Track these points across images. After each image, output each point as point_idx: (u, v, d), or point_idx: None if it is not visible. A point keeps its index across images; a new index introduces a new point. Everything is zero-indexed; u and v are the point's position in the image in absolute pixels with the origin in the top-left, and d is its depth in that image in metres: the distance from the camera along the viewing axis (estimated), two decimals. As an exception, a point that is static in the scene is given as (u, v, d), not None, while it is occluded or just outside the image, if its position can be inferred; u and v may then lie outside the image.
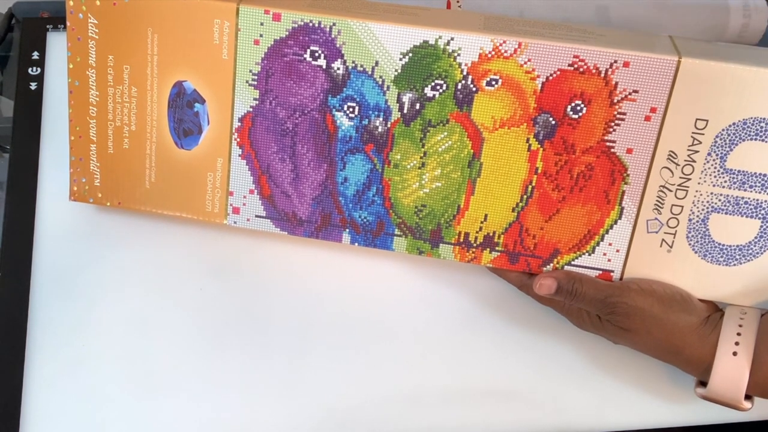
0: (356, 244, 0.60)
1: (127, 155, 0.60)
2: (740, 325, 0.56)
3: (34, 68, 0.68)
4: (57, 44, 0.69)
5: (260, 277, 0.64)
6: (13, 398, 0.60)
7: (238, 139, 0.59)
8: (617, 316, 0.57)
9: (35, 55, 0.69)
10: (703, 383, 0.57)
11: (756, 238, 0.57)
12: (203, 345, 0.63)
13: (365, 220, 0.60)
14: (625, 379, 0.63)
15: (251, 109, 0.58)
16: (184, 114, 0.58)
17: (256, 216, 0.60)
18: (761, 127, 0.54)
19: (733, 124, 0.54)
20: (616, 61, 0.54)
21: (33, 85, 0.68)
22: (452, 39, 0.54)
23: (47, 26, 0.70)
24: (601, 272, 0.59)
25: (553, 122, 0.56)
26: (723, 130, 0.54)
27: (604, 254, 0.58)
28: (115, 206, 0.61)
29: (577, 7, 0.65)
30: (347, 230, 0.60)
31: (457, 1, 0.65)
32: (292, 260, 0.64)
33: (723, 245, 0.57)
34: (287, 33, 0.56)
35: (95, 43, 0.57)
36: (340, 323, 0.64)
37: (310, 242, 0.64)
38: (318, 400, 0.62)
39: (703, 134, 0.55)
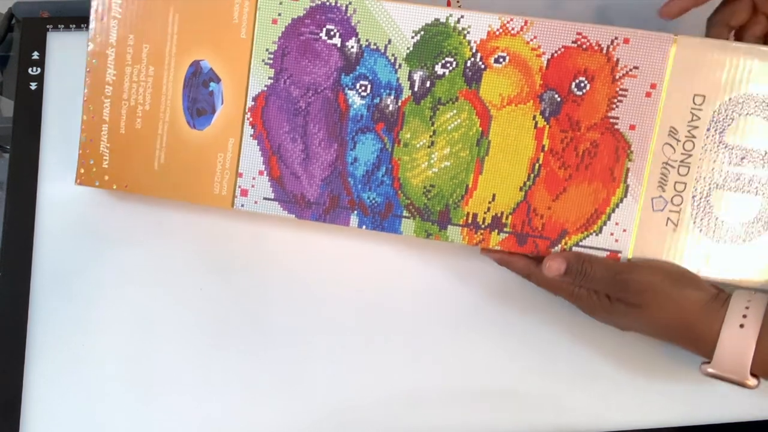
0: (364, 227, 0.60)
1: (139, 135, 0.60)
2: (749, 300, 0.56)
3: (34, 68, 0.69)
4: (57, 44, 0.69)
5: (260, 277, 0.64)
6: (13, 397, 0.60)
7: (251, 119, 0.60)
8: (628, 293, 0.56)
9: (35, 55, 0.69)
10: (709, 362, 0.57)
11: (759, 214, 0.58)
12: (203, 345, 0.62)
13: (374, 201, 0.60)
14: (625, 379, 0.63)
15: (265, 88, 0.59)
16: (199, 93, 0.60)
17: (264, 198, 0.60)
18: (756, 103, 0.57)
19: (730, 99, 0.57)
20: (616, 38, 0.57)
21: (33, 85, 0.68)
22: (462, 17, 0.57)
23: (47, 26, 0.70)
24: (609, 253, 0.59)
25: (559, 99, 0.58)
26: (720, 105, 0.57)
27: (612, 234, 0.59)
28: (122, 189, 0.61)
29: (575, 7, 0.69)
30: (355, 212, 0.60)
31: (458, 1, 0.69)
32: (292, 260, 0.64)
33: (727, 222, 0.58)
34: (305, 12, 0.58)
35: (117, 23, 0.59)
36: (340, 323, 0.63)
37: (310, 242, 0.65)
38: (318, 400, 0.61)
39: (701, 110, 0.57)
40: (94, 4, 0.60)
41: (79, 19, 0.70)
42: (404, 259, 0.64)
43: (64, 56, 0.69)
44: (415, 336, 0.63)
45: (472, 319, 0.64)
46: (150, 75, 0.60)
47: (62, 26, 0.70)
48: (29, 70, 0.68)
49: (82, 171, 0.61)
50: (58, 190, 0.65)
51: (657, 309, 0.56)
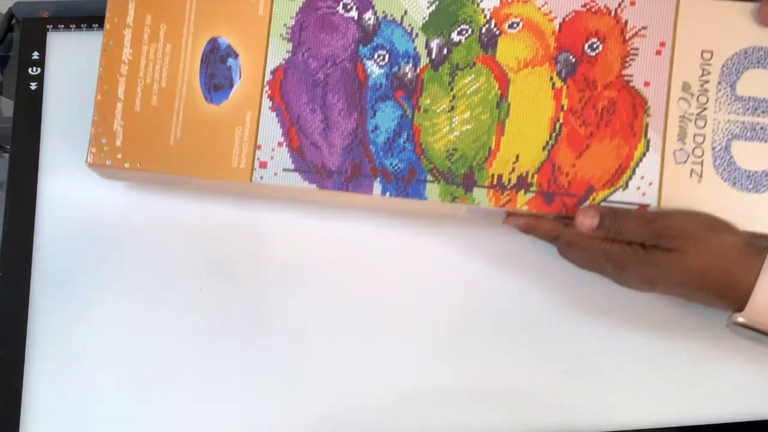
0: (387, 193, 0.59)
1: (154, 112, 0.59)
2: None
3: (34, 68, 0.69)
4: (57, 44, 0.69)
5: (260, 277, 0.64)
6: (13, 398, 0.60)
7: (269, 92, 0.59)
8: (665, 238, 0.55)
9: (35, 55, 0.69)
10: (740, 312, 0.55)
11: (780, 163, 0.58)
12: (203, 345, 0.62)
13: (396, 167, 0.59)
14: (625, 378, 0.63)
15: (283, 62, 0.60)
16: (217, 69, 0.60)
17: (284, 170, 0.59)
18: (761, 55, 0.59)
19: (736, 53, 0.59)
20: (623, 1, 0.60)
21: (33, 85, 0.68)
22: (475, -14, 0.60)
23: (47, 26, 0.70)
24: (638, 207, 0.58)
25: (573, 60, 0.59)
26: (728, 59, 0.59)
27: (638, 188, 0.58)
28: (134, 168, 0.59)
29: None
30: (378, 179, 0.59)
31: None
32: (292, 260, 0.64)
33: (749, 171, 0.58)
34: (322, -13, 0.60)
35: (135, 4, 0.60)
36: (341, 323, 0.63)
37: (310, 241, 0.65)
38: (318, 400, 0.61)
39: (710, 64, 0.59)
40: (112, -13, 0.60)
41: (79, 19, 0.70)
42: (404, 260, 0.65)
43: (64, 56, 0.69)
44: (415, 336, 0.63)
45: (473, 318, 0.63)
46: (167, 53, 0.60)
47: (62, 26, 0.70)
48: (29, 70, 0.69)
49: (94, 150, 0.59)
50: (58, 190, 0.65)
51: (694, 254, 0.55)
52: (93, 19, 0.69)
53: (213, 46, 0.60)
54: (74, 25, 0.70)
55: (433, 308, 0.63)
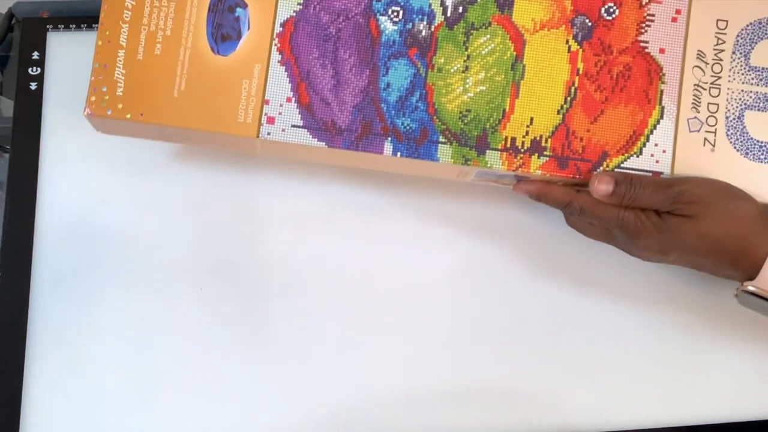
0: (399, 154, 0.57)
1: (158, 61, 0.57)
2: None
3: (34, 68, 0.68)
4: (57, 44, 0.69)
5: (260, 277, 0.64)
6: (13, 398, 0.60)
7: (279, 45, 0.57)
8: (681, 204, 0.55)
9: (35, 55, 0.69)
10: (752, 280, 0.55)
11: (792, 135, 0.58)
12: (203, 345, 0.62)
13: (408, 127, 0.57)
14: (625, 378, 0.63)
15: (294, 14, 0.58)
16: (224, 18, 0.57)
17: (293, 126, 0.57)
18: (776, 26, 0.59)
19: (751, 24, 0.59)
20: (640, -35, 0.59)
21: (33, 85, 0.68)
22: (492, -56, 0.59)
23: (47, 26, 0.69)
24: (651, 174, 0.57)
25: (590, 24, 0.58)
26: (742, 29, 0.59)
27: (652, 155, 0.58)
28: (137, 119, 0.56)
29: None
30: (389, 139, 0.57)
31: None
32: (293, 260, 0.64)
33: (761, 142, 0.58)
34: (336, -61, 0.58)
35: (139, -52, 0.57)
36: (341, 323, 0.63)
37: (311, 241, 0.64)
38: (318, 400, 0.61)
39: (725, 34, 0.59)
40: (114, -69, 0.58)
41: (79, 19, 0.70)
42: (404, 259, 0.64)
43: (64, 56, 0.69)
44: (415, 336, 0.62)
45: (473, 319, 0.63)
46: (173, 0, 0.57)
47: (62, 26, 0.70)
48: (29, 70, 0.68)
49: (93, 99, 0.56)
50: (58, 190, 0.65)
51: (710, 220, 0.54)
52: (93, 19, 0.69)
53: (221, -6, 0.58)
54: (74, 25, 0.69)
55: (433, 308, 0.63)
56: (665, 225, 0.55)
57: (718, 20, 0.59)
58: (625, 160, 0.58)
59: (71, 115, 0.63)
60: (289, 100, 0.57)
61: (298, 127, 0.57)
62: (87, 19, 0.70)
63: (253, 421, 0.60)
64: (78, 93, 0.59)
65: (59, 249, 0.64)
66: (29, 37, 0.69)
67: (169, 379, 0.61)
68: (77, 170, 0.65)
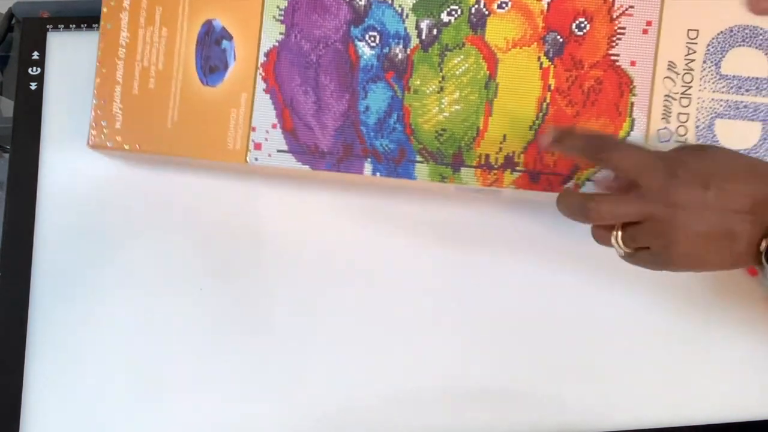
0: (378, 174, 0.61)
1: (152, 95, 0.61)
2: None
3: (34, 68, 0.69)
4: (57, 44, 0.70)
5: (260, 277, 0.65)
6: (13, 398, 0.60)
7: (263, 74, 0.61)
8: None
9: (35, 55, 0.70)
10: None
11: (760, 141, 0.60)
12: (203, 345, 0.63)
13: (387, 148, 0.61)
14: (625, 378, 0.63)
15: (277, 44, 0.61)
16: (212, 51, 0.61)
17: (278, 151, 0.61)
18: (746, 33, 0.60)
19: (722, 32, 0.60)
20: (611, -21, 0.60)
21: (33, 85, 0.69)
22: (464, -34, 0.61)
23: (47, 26, 0.70)
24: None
25: (561, 40, 0.60)
26: (713, 38, 0.60)
27: (622, 167, 0.60)
28: (134, 150, 0.61)
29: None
30: (369, 160, 0.61)
31: None
32: (292, 260, 0.65)
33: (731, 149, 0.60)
34: (313, -32, 0.61)
35: (131, -13, 0.61)
36: (340, 323, 0.64)
37: (310, 241, 0.66)
38: (318, 400, 0.61)
39: (696, 43, 0.60)
40: (107, -30, 0.62)
41: (79, 19, 0.71)
42: (404, 258, 0.65)
43: (64, 56, 0.70)
44: (415, 336, 0.63)
45: (472, 319, 0.64)
46: (163, 36, 0.61)
47: (62, 26, 0.71)
48: (29, 70, 0.69)
49: (95, 133, 0.61)
50: (58, 190, 0.66)
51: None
52: (93, 19, 0.69)
53: (208, 28, 0.61)
54: (74, 25, 0.70)
55: (433, 308, 0.64)
56: (700, 149, 0.55)
57: (689, 30, 0.60)
58: (596, 172, 0.60)
59: (71, 115, 0.66)
60: (274, 126, 0.61)
61: (284, 151, 0.61)
62: (87, 19, 0.71)
63: (252, 421, 0.61)
64: (78, 93, 0.62)
65: (59, 249, 0.64)
66: (29, 37, 0.70)
67: (169, 379, 0.61)
68: (77, 170, 0.66)
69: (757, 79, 0.60)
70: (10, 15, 0.73)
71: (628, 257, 0.55)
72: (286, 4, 0.61)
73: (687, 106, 0.60)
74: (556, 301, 0.65)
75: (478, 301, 0.65)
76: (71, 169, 0.66)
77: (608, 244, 0.55)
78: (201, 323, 0.63)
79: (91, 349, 0.62)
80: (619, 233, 0.54)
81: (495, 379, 0.62)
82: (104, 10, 0.61)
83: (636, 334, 0.64)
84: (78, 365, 0.61)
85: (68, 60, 0.69)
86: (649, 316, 0.65)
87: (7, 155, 0.68)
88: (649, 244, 0.54)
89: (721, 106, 0.60)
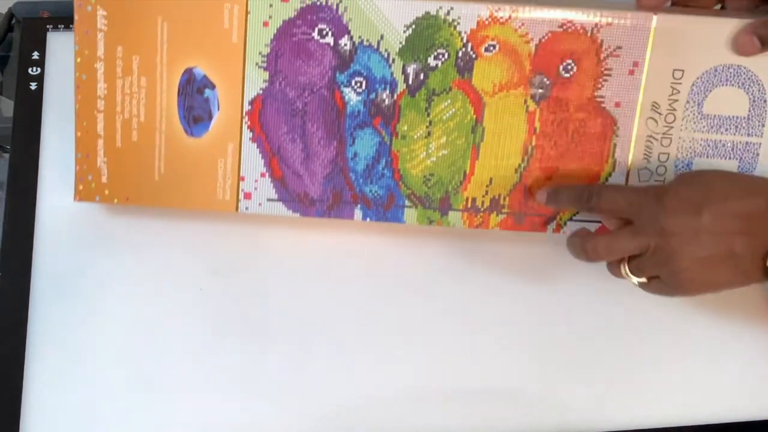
0: (368, 219, 0.62)
1: (136, 148, 0.60)
2: None
3: (34, 68, 0.69)
4: (57, 44, 0.70)
5: (260, 277, 0.65)
6: (13, 398, 0.59)
7: (249, 123, 0.60)
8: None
9: (35, 55, 0.69)
10: None
11: (736, 178, 0.62)
12: (203, 345, 0.63)
13: (376, 194, 0.62)
14: (625, 378, 0.64)
15: (261, 92, 0.60)
16: (194, 101, 0.60)
17: (268, 200, 0.61)
18: (730, 73, 0.60)
19: (706, 72, 0.60)
20: (600, 21, 0.59)
21: (33, 85, 0.68)
22: (452, 8, 0.59)
23: (47, 26, 0.70)
24: (601, 224, 0.62)
25: (548, 82, 0.60)
26: (698, 78, 0.60)
27: (603, 206, 0.62)
28: (123, 203, 0.61)
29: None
30: (359, 206, 0.62)
31: None
32: (292, 260, 0.65)
33: (708, 187, 0.62)
34: (296, 13, 0.59)
35: (104, 35, 0.58)
36: (340, 323, 0.64)
37: (310, 241, 0.66)
38: (318, 400, 0.62)
39: (680, 83, 0.60)
40: (77, 17, 0.58)
41: None
42: (404, 259, 0.66)
43: (64, 56, 0.68)
44: (415, 336, 0.64)
45: (473, 318, 0.65)
46: (142, 86, 0.59)
47: (62, 26, 0.70)
48: (29, 70, 0.68)
49: (81, 187, 0.61)
50: (59, 190, 0.65)
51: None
52: None
53: (189, 77, 0.59)
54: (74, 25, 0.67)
55: (433, 309, 0.65)
56: (692, 176, 0.57)
57: (674, 70, 0.60)
58: (577, 213, 0.62)
59: (71, 115, 0.64)
60: (263, 175, 0.61)
61: (273, 200, 0.61)
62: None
63: (252, 421, 0.61)
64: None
65: (59, 249, 0.64)
66: (29, 37, 0.70)
67: (169, 379, 0.61)
68: (77, 170, 0.66)
69: (736, 118, 0.61)
70: (10, 15, 0.71)
71: (644, 286, 0.57)
72: (269, 51, 0.59)
73: (668, 146, 0.61)
74: (556, 301, 0.66)
75: (478, 301, 0.65)
76: (71, 170, 0.64)
77: (621, 276, 0.58)
78: (201, 323, 0.63)
79: (91, 348, 0.62)
80: (626, 266, 0.57)
81: (495, 379, 0.63)
82: (77, 60, 0.59)
83: (636, 334, 0.65)
84: (78, 365, 0.61)
85: (68, 60, 0.66)
86: (649, 316, 0.65)
87: (7, 155, 0.68)
88: (657, 273, 0.56)
89: (700, 145, 0.61)
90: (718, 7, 0.64)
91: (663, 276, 0.55)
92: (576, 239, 0.58)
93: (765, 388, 0.64)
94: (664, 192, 0.55)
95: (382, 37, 0.59)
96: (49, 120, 0.67)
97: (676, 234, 0.53)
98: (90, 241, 0.65)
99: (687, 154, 0.61)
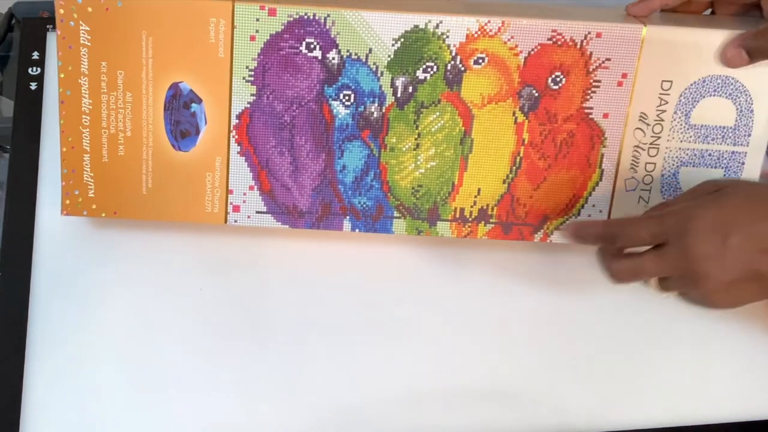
0: (357, 230, 0.62)
1: (123, 162, 0.60)
2: None
3: (34, 68, 0.68)
4: None
5: (260, 276, 0.65)
6: (13, 398, 0.59)
7: (237, 137, 0.60)
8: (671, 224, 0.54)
9: (35, 55, 0.69)
10: None
11: (721, 186, 0.63)
12: (203, 345, 0.63)
13: (365, 205, 0.62)
14: (625, 378, 0.64)
15: (249, 105, 0.59)
16: (181, 115, 0.59)
17: (257, 212, 0.61)
18: (718, 83, 0.60)
19: (695, 82, 0.60)
20: (589, 33, 0.59)
21: (33, 85, 0.68)
22: (441, 22, 0.58)
23: (47, 26, 0.70)
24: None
25: (536, 94, 0.60)
26: (686, 89, 0.60)
27: (589, 215, 0.63)
28: (111, 216, 0.61)
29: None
30: (348, 217, 0.62)
31: None
32: (292, 260, 0.65)
33: (693, 196, 0.63)
34: (283, 27, 0.58)
35: (87, 51, 0.57)
36: (340, 323, 0.64)
37: (310, 241, 0.66)
38: (318, 400, 0.62)
39: (668, 94, 0.61)
40: (59, 32, 0.57)
41: None
42: (402, 259, 0.66)
43: None
44: (415, 336, 0.64)
45: (472, 318, 0.65)
46: (128, 101, 0.58)
47: None
48: (29, 70, 0.68)
49: (68, 202, 0.60)
50: (59, 190, 0.64)
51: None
52: None
53: (175, 92, 0.58)
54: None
55: (433, 309, 0.65)
56: (716, 196, 0.55)
57: (663, 81, 0.60)
58: (564, 222, 0.63)
59: None
60: (251, 188, 0.61)
61: (262, 213, 0.61)
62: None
63: (252, 421, 0.60)
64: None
65: (59, 249, 0.64)
66: (29, 37, 0.69)
67: (169, 379, 0.61)
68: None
69: (723, 128, 0.61)
70: (10, 15, 0.71)
71: (678, 296, 0.58)
72: (256, 65, 0.58)
73: (655, 155, 0.62)
74: (556, 302, 0.66)
75: (478, 301, 0.65)
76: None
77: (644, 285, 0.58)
78: (201, 323, 0.63)
79: (91, 348, 0.61)
80: (654, 282, 0.57)
81: (495, 379, 0.63)
82: (61, 75, 0.58)
83: (636, 334, 0.65)
84: (78, 365, 0.61)
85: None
86: (649, 317, 0.65)
87: (7, 155, 0.68)
88: (685, 293, 0.56)
89: (687, 155, 0.62)
90: (709, 13, 0.64)
91: (692, 296, 0.56)
92: (602, 257, 0.57)
93: (765, 388, 0.64)
94: (689, 218, 0.54)
95: (370, 50, 0.58)
96: (49, 120, 0.67)
97: (703, 259, 0.53)
98: (90, 241, 0.65)
99: (673, 164, 0.62)
